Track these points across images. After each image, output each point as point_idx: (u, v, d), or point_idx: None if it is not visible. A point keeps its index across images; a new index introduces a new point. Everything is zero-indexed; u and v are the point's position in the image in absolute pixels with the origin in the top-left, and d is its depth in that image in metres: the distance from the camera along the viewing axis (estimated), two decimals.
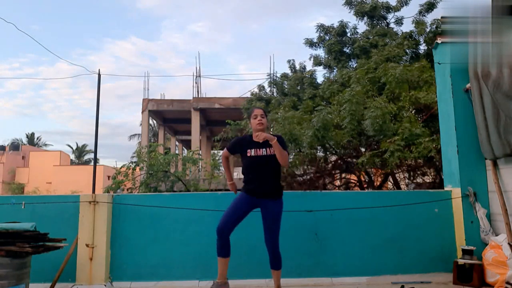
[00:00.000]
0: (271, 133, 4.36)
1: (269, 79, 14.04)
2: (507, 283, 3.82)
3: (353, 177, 10.24)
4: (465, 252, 4.21)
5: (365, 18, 10.82)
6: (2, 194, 28.82)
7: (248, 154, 3.52)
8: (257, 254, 3.75)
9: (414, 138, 6.57)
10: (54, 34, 73.57)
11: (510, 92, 3.98)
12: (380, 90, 8.16)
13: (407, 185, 9.34)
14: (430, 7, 10.18)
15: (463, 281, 4.14)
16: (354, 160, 8.40)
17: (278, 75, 13.67)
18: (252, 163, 3.51)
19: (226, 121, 12.21)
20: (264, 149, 3.51)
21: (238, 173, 23.86)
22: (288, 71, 13.12)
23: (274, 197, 3.51)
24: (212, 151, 24.90)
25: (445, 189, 4.79)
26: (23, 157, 36.02)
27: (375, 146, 7.91)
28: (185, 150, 27.83)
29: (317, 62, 11.52)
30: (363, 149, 8.42)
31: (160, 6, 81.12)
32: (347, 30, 11.02)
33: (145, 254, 4.45)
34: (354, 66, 10.40)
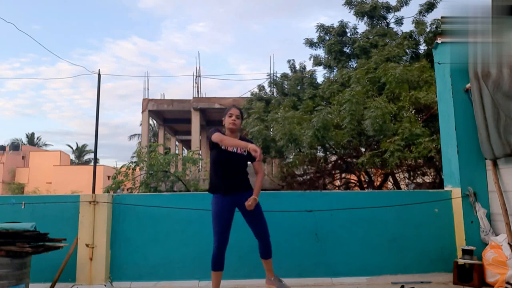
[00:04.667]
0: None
1: (269, 79, 14.04)
2: (507, 283, 3.82)
3: (353, 177, 10.25)
4: (465, 252, 4.21)
5: (365, 18, 10.82)
6: (2, 194, 28.82)
7: (220, 146, 3.54)
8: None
9: (414, 138, 6.58)
10: (55, 33, 73.64)
11: (510, 92, 3.98)
12: (380, 90, 8.16)
13: (407, 185, 9.35)
14: (430, 7, 10.19)
15: (463, 281, 4.14)
16: (354, 160, 8.41)
17: (278, 75, 13.68)
18: (222, 158, 3.53)
19: None
20: (235, 148, 3.57)
21: None
22: (288, 71, 13.12)
23: (248, 189, 3.59)
24: None
25: (445, 189, 4.79)
26: (23, 157, 36.04)
27: (375, 146, 7.92)
28: (185, 150, 27.82)
29: (317, 62, 11.52)
30: (363, 149, 8.43)
31: (161, 6, 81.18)
32: (347, 30, 11.02)
33: (145, 254, 4.45)
34: (354, 66, 10.40)
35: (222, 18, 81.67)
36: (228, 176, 3.53)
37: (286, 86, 12.66)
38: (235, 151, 3.55)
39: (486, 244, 4.23)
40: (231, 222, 3.55)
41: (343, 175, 10.78)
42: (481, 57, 4.34)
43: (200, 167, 16.29)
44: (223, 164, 3.55)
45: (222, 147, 3.53)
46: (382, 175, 9.45)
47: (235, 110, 3.71)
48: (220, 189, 3.53)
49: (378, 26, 10.72)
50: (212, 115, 21.76)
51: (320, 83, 11.07)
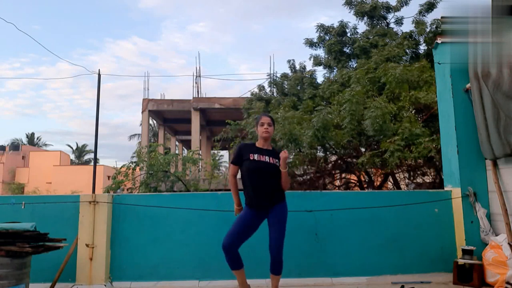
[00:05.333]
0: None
1: (269, 79, 14.03)
2: (507, 283, 3.82)
3: (353, 177, 10.25)
4: (465, 252, 4.22)
5: (365, 18, 10.81)
6: (2, 194, 28.82)
7: (251, 158, 3.49)
8: (257, 254, 3.74)
9: (414, 138, 6.57)
10: (55, 33, 73.70)
11: (510, 92, 3.98)
12: (380, 90, 8.15)
13: (407, 185, 9.34)
14: (430, 7, 10.17)
15: (463, 281, 4.14)
16: (354, 160, 8.40)
17: (278, 75, 13.66)
18: (255, 167, 3.47)
19: (226, 121, 12.20)
20: (267, 157, 3.51)
21: None
22: (288, 71, 13.11)
23: (278, 201, 3.53)
24: (212, 151, 24.90)
25: (445, 189, 4.79)
26: (23, 157, 36.04)
27: (375, 146, 7.91)
28: (185, 150, 27.82)
29: (317, 62, 11.51)
30: (363, 149, 8.42)
31: (161, 6, 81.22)
32: (347, 30, 11.00)
33: (145, 254, 4.46)
34: (354, 66, 10.39)
35: (222, 18, 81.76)
36: (261, 189, 3.46)
37: (286, 86, 12.65)
38: (267, 160, 3.49)
39: (486, 244, 4.23)
40: (250, 231, 3.50)
41: (343, 175, 10.77)
42: (481, 57, 4.34)
43: (200, 167, 16.29)
44: (255, 174, 3.47)
45: (252, 158, 3.48)
46: (382, 175, 9.44)
47: (266, 118, 3.62)
48: (253, 204, 3.48)
49: (378, 26, 10.71)
50: (212, 115, 21.77)
51: (320, 83, 11.05)
